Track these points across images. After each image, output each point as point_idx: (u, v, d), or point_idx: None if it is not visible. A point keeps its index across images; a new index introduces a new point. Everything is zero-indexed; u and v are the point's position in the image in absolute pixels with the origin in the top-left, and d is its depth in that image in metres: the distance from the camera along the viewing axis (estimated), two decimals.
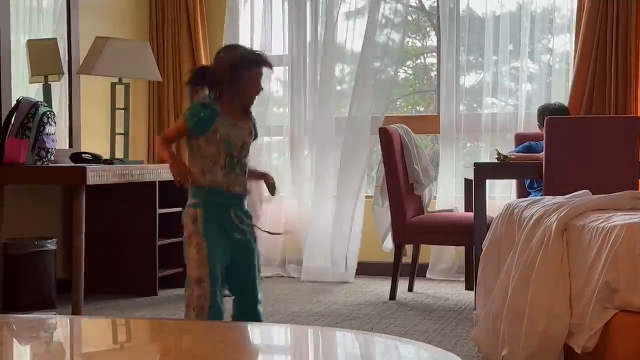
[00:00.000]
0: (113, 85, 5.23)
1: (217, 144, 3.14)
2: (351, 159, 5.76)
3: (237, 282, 3.22)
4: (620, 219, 3.04)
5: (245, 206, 3.22)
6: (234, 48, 3.36)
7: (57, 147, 4.78)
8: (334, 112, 5.98)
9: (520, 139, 5.27)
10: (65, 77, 5.23)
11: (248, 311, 3.21)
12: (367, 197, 5.82)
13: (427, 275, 5.77)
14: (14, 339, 2.06)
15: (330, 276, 5.69)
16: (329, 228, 5.78)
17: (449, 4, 5.80)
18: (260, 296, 3.24)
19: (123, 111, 5.26)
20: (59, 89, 5.24)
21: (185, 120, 3.16)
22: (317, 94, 5.99)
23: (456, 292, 5.23)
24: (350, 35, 5.99)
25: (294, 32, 6.00)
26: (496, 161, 4.54)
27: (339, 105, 6.11)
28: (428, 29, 6.53)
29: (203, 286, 3.09)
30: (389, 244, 5.43)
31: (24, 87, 4.99)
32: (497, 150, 4.64)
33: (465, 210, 5.26)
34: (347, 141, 5.79)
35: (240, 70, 3.15)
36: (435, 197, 5.68)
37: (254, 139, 3.27)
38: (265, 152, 6.14)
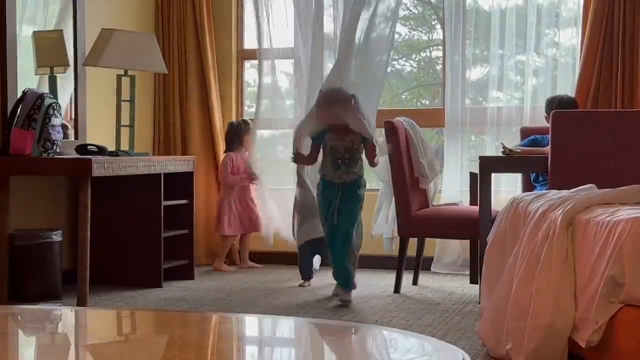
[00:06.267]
0: (119, 77, 5.23)
1: (328, 152, 4.68)
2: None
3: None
4: (626, 213, 3.03)
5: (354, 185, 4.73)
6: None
7: (62, 139, 4.78)
8: None
9: (525, 132, 5.26)
10: (71, 69, 5.23)
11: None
12: (371, 190, 5.82)
13: (432, 269, 5.77)
14: (20, 330, 2.06)
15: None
16: None
17: None
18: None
19: (129, 103, 5.27)
20: (64, 80, 5.24)
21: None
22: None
23: (461, 286, 5.23)
24: (359, 27, 5.95)
25: (301, 24, 5.97)
26: (502, 155, 4.54)
27: None
28: (434, 22, 6.52)
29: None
30: (378, 229, 5.45)
31: (30, 78, 5.00)
32: (502, 144, 4.63)
33: (471, 204, 5.25)
34: None
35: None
36: (440, 190, 5.67)
37: (363, 141, 4.65)
38: (270, 145, 6.14)
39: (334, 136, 4.62)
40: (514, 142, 5.18)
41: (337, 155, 4.61)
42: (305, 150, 4.81)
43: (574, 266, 3.16)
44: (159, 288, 5.14)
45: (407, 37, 6.60)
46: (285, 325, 2.17)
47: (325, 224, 4.73)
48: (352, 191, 4.71)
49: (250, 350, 1.88)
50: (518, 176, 5.46)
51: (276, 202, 5.95)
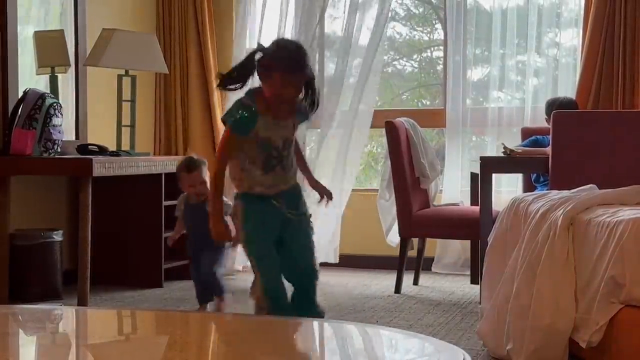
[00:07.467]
0: (120, 77, 5.23)
1: (256, 146, 3.07)
2: (352, 152, 5.77)
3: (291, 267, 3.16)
4: (627, 213, 3.03)
5: (296, 194, 3.17)
6: (275, 48, 3.12)
7: (63, 139, 4.79)
8: (340, 105, 5.96)
9: (526, 133, 5.26)
10: (72, 69, 5.23)
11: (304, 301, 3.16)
12: (371, 190, 5.83)
13: (433, 269, 5.76)
14: (21, 329, 2.07)
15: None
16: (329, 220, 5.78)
17: None
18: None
19: (129, 103, 5.27)
20: (65, 80, 5.24)
21: (228, 124, 3.07)
22: (324, 87, 5.98)
23: (461, 286, 5.23)
24: (358, 28, 5.95)
25: (302, 24, 5.97)
26: (502, 155, 4.54)
27: (345, 98, 6.08)
28: (435, 22, 6.52)
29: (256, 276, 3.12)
30: (394, 237, 5.43)
31: (31, 78, 5.00)
32: (503, 144, 4.63)
33: (471, 204, 5.25)
34: (347, 134, 5.79)
35: (273, 73, 3.03)
36: (441, 190, 5.67)
37: (303, 120, 3.21)
38: None
39: (273, 121, 3.07)
40: (514, 142, 5.18)
41: (272, 152, 3.08)
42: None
43: (574, 267, 3.16)
44: (159, 288, 5.14)
45: (407, 37, 6.60)
46: (286, 326, 2.16)
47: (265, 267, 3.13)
48: (298, 208, 3.18)
49: (249, 351, 1.88)
50: (519, 176, 5.46)
51: None
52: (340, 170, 5.75)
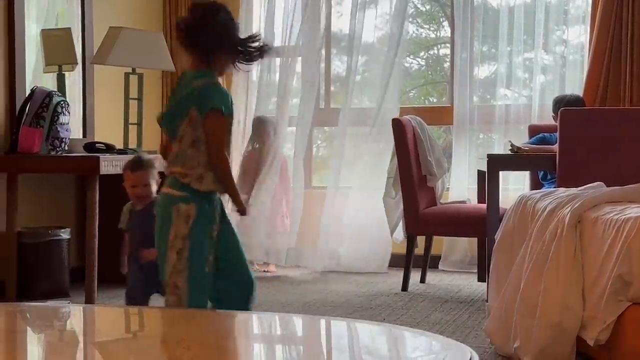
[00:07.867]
0: (127, 75, 5.23)
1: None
2: (373, 151, 5.76)
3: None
4: (634, 211, 3.03)
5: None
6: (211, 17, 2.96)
7: (70, 137, 4.80)
8: (349, 103, 5.96)
9: (533, 130, 5.26)
10: (79, 67, 5.24)
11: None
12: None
13: (440, 267, 5.76)
14: (28, 327, 2.07)
15: (366, 267, 5.68)
16: (345, 219, 5.77)
17: None
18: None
19: (136, 101, 5.27)
20: (73, 78, 5.25)
21: (223, 112, 2.73)
22: (330, 85, 5.98)
23: (468, 284, 5.23)
24: (365, 25, 5.94)
25: (308, 22, 5.97)
26: (510, 153, 4.53)
27: (353, 96, 6.08)
28: (442, 20, 6.51)
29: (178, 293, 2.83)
30: (399, 235, 5.43)
31: (38, 77, 5.01)
32: (510, 141, 4.63)
33: (478, 202, 5.24)
34: (371, 132, 5.78)
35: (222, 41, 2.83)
36: (448, 188, 5.67)
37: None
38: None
39: None
40: (522, 139, 5.18)
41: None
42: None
43: (582, 264, 3.16)
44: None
45: (414, 34, 6.59)
46: (293, 323, 2.17)
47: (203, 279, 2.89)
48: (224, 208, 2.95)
49: (257, 348, 1.88)
50: (526, 174, 5.46)
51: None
52: (372, 168, 5.75)
